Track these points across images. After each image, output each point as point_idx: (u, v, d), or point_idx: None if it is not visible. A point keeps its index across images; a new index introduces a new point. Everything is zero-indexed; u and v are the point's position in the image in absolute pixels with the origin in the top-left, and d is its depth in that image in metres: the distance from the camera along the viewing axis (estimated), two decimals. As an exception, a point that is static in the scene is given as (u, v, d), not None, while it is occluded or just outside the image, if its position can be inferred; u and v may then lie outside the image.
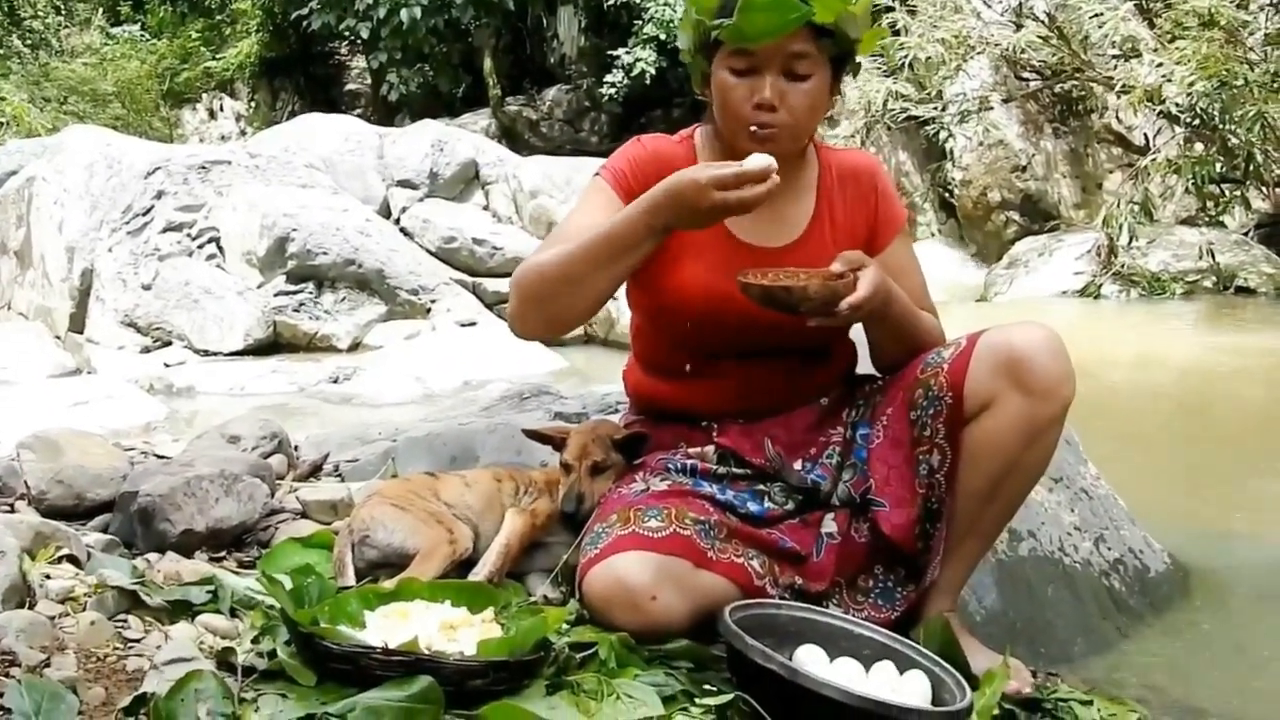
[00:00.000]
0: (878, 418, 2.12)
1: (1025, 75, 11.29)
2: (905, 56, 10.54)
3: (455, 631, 1.78)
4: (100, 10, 19.69)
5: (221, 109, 18.43)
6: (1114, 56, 10.27)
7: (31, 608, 1.83)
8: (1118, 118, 11.04)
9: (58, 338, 7.35)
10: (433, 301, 7.38)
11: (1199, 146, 9.90)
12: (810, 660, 1.83)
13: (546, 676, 1.74)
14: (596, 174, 2.14)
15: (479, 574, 2.10)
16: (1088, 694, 2.09)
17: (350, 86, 18.26)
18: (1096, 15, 9.73)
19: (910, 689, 1.80)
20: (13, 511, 2.35)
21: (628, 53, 14.21)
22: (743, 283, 1.93)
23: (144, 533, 2.26)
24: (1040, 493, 2.65)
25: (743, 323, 2.06)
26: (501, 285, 7.42)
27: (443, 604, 1.87)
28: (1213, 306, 9.17)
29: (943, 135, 11.08)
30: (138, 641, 1.79)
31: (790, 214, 2.16)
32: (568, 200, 7.85)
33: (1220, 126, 9.29)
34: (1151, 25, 10.13)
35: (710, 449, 2.16)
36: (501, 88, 16.17)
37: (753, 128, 2.01)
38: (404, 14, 14.92)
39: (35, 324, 7.58)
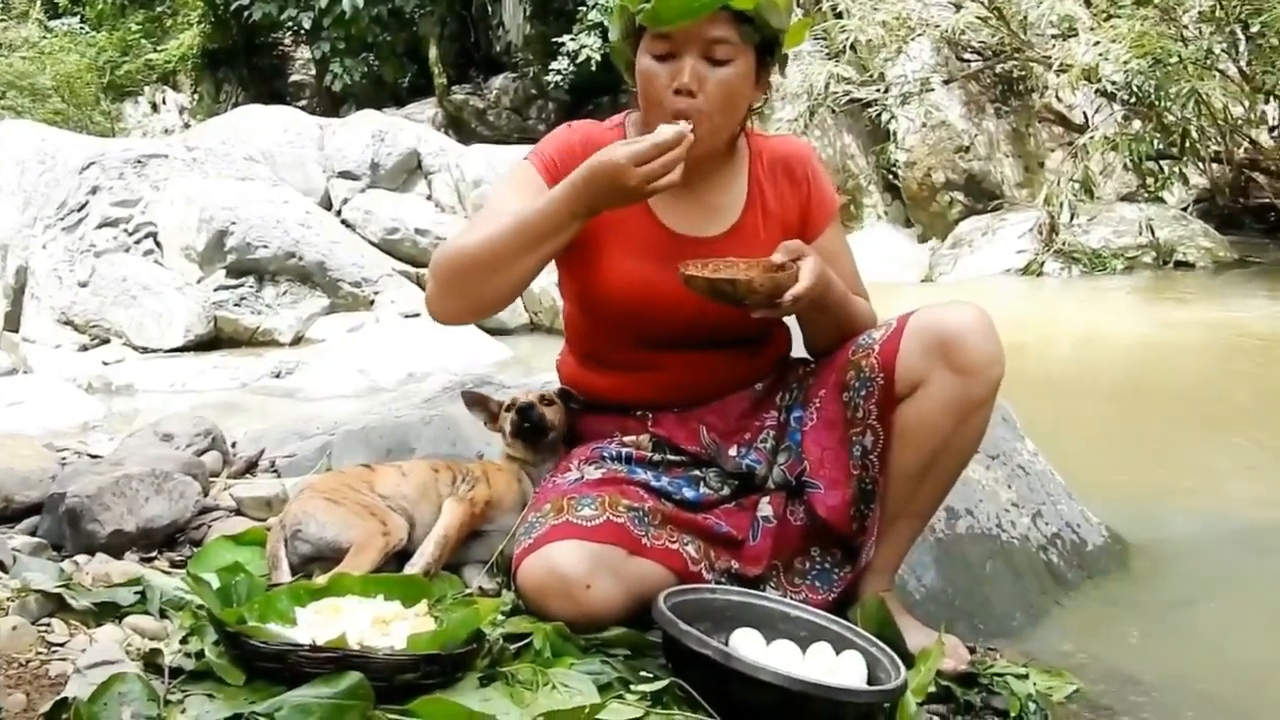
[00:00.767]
0: (811, 400, 2.12)
1: (966, 56, 11.36)
2: (847, 39, 10.59)
3: (388, 626, 1.76)
4: (38, 3, 19.34)
5: (164, 102, 18.17)
6: (1053, 36, 10.37)
7: (-48, 615, 1.79)
8: (1057, 97, 11.14)
9: (-8, 338, 7.24)
10: (376, 293, 7.32)
11: (1136, 124, 10.02)
12: (746, 644, 1.83)
13: (480, 668, 1.72)
14: (525, 158, 2.12)
15: (415, 566, 2.08)
16: (1025, 667, 2.11)
17: (295, 77, 18.08)
18: (1035, -5, 9.83)
19: (846, 669, 1.81)
20: (-63, 516, 2.30)
21: (573, 39, 14.15)
22: (686, 275, 1.92)
23: (72, 534, 2.22)
24: (978, 470, 2.67)
25: (676, 313, 2.05)
26: (446, 276, 7.35)
27: (376, 598, 1.85)
28: (1152, 282, 9.29)
29: (886, 117, 11.13)
30: (62, 645, 1.75)
31: (722, 203, 2.15)
32: (511, 189, 7.79)
33: (1156, 104, 9.40)
34: (1088, 4, 10.23)
35: (645, 437, 2.16)
36: (447, 77, 16.06)
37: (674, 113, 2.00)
38: (346, 3, 14.80)
39: (-31, 325, 7.45)
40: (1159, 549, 3.02)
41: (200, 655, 1.69)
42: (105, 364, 6.56)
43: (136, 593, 1.93)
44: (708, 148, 2.03)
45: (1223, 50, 9.45)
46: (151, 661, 1.69)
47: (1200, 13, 9.47)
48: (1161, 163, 10.01)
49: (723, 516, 2.08)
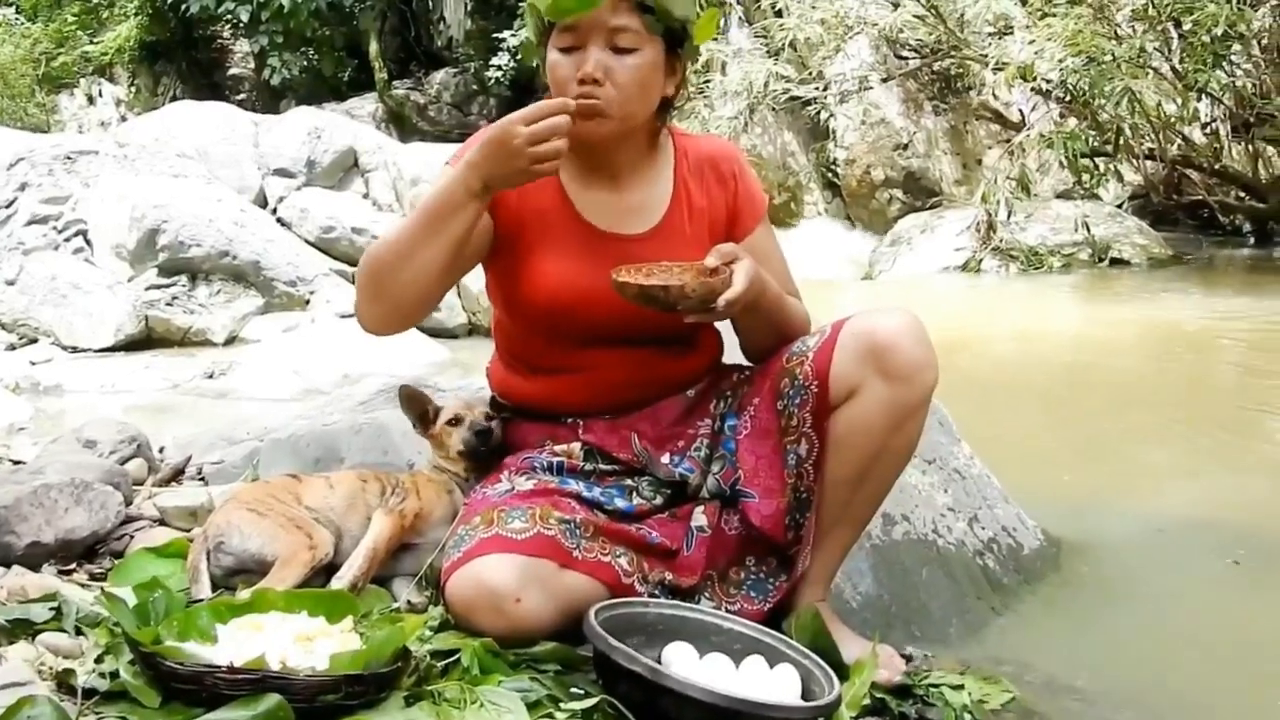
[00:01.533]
0: (745, 408, 2.10)
1: (904, 54, 11.44)
2: (785, 37, 10.61)
3: (312, 643, 1.71)
4: (-29, -7, 18.98)
5: (100, 94, 17.85)
6: (989, 34, 10.46)
7: None
8: (994, 95, 11.26)
9: (-84, 337, 7.05)
10: (311, 293, 7.21)
11: (1072, 121, 10.13)
12: (679, 658, 1.80)
13: (406, 687, 1.68)
14: (446, 162, 2.09)
15: (343, 580, 2.04)
16: (961, 674, 2.09)
17: (234, 71, 17.83)
18: (971, -7, 9.91)
19: (780, 683, 1.79)
20: None
21: (514, 35, 14.08)
22: (618, 282, 1.90)
23: (-13, 547, 2.15)
24: (914, 475, 2.66)
25: (606, 310, 2.02)
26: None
27: (299, 614, 1.80)
28: (1089, 279, 9.40)
29: (825, 115, 11.18)
30: (-30, 667, 1.70)
31: (647, 200, 2.13)
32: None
33: (1091, 101, 9.50)
34: (1024, 3, 10.33)
35: (576, 446, 2.13)
36: (388, 71, 15.94)
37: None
38: (284, -4, 14.62)
39: (-108, 324, 7.26)
40: (1094, 551, 3.03)
41: (115, 675, 1.64)
42: (33, 364, 6.41)
43: (52, 609, 1.87)
44: (620, 137, 2.03)
45: (1155, 48, 9.58)
46: (65, 682, 1.64)
47: (1133, 11, 9.60)
48: (1096, 160, 10.13)
49: (656, 527, 2.05)
